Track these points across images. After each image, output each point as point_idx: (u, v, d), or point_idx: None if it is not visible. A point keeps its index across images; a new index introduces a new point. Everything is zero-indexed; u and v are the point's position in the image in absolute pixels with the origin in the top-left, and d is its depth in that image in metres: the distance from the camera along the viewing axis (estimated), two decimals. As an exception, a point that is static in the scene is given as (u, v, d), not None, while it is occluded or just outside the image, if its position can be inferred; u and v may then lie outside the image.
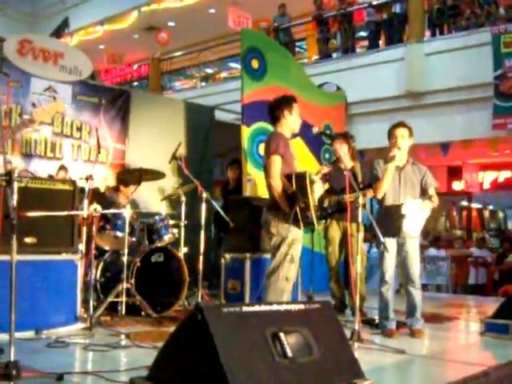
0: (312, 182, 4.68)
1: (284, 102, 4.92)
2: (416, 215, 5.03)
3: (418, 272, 5.14)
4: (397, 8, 11.24)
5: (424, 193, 5.18)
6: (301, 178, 4.63)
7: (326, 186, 5.30)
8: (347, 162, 5.94)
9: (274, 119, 4.96)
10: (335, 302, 6.20)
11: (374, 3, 11.52)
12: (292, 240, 4.72)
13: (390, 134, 5.19)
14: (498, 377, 3.85)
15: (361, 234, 5.02)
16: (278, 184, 4.69)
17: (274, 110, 4.95)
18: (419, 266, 5.19)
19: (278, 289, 4.74)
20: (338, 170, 5.89)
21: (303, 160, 8.43)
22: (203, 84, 15.13)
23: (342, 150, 6.05)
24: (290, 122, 4.92)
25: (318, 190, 4.83)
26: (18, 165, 7.13)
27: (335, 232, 6.15)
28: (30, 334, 4.53)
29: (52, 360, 3.87)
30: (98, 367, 3.63)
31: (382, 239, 4.80)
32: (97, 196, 5.97)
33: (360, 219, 4.82)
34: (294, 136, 5.22)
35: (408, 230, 5.02)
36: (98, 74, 17.09)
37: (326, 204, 5.93)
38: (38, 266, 4.79)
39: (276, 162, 4.73)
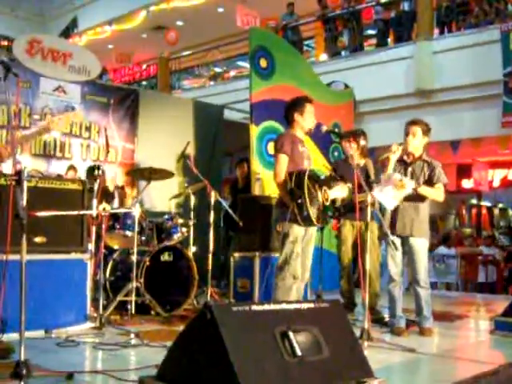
0: (316, 180, 4.71)
1: (294, 105, 5.07)
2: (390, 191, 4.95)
3: (423, 271, 5.08)
4: (405, 6, 11.22)
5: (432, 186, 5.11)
6: (299, 175, 4.69)
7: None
8: (356, 160, 5.91)
9: (287, 121, 5.15)
10: (344, 301, 6.19)
11: (383, 1, 11.49)
12: (295, 238, 4.75)
13: (404, 130, 5.21)
14: (508, 375, 3.83)
15: (370, 233, 4.97)
16: (281, 181, 4.81)
17: (286, 112, 5.13)
18: (426, 265, 5.12)
19: (285, 287, 4.78)
20: (348, 168, 5.82)
21: (312, 158, 8.43)
22: (212, 83, 15.13)
23: (351, 148, 6.04)
24: (301, 123, 5.05)
25: (336, 190, 4.90)
26: (28, 165, 7.16)
27: (348, 231, 6.11)
28: (40, 333, 4.55)
29: (62, 359, 3.89)
30: (108, 366, 3.64)
31: (390, 237, 4.80)
32: (106, 195, 5.98)
33: (369, 218, 4.80)
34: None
35: (381, 201, 4.97)
36: (107, 71, 17.11)
37: (338, 203, 5.91)
38: (48, 265, 4.80)
39: (280, 160, 4.88)
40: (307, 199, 4.59)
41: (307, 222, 4.68)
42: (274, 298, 4.83)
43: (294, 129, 5.07)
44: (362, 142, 6.07)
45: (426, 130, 5.16)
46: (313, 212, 4.62)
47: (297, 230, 4.76)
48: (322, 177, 4.95)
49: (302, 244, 4.85)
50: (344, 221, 6.09)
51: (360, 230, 5.88)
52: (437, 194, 5.10)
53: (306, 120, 5.03)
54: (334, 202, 5.56)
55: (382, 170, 5.16)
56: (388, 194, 4.90)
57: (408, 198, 4.98)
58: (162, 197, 7.75)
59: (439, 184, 5.10)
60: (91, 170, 6.34)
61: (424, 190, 5.02)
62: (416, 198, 5.02)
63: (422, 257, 5.09)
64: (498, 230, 17.23)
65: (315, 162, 8.33)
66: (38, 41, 7.46)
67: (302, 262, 4.90)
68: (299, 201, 4.61)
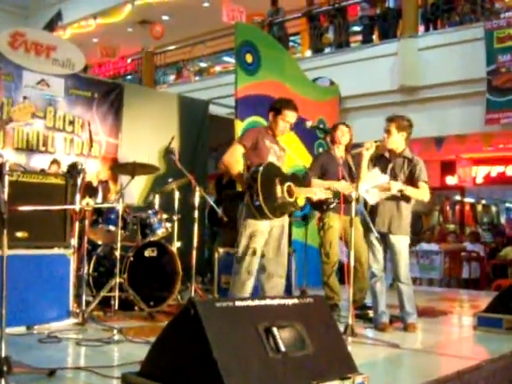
0: (277, 175, 4.71)
1: (279, 106, 4.97)
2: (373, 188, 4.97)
3: (404, 267, 5.08)
4: (390, 3, 11.25)
5: (413, 185, 5.11)
6: (256, 167, 4.67)
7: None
8: (340, 153, 5.88)
9: (267, 115, 5.07)
10: (334, 300, 6.06)
11: (368, -2, 11.51)
12: (252, 232, 4.72)
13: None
14: (491, 371, 3.86)
15: (355, 228, 4.95)
16: (228, 163, 4.82)
17: (270, 108, 5.04)
18: (406, 261, 5.12)
19: (240, 281, 4.74)
20: (333, 161, 5.75)
21: (297, 154, 8.43)
22: (197, 78, 15.07)
23: (345, 137, 5.99)
24: (275, 127, 4.97)
25: (308, 191, 4.92)
26: (10, 159, 7.09)
27: (337, 225, 5.99)
28: (21, 329, 4.50)
29: (44, 355, 3.85)
30: (91, 362, 3.62)
31: (375, 233, 4.81)
32: (89, 190, 5.94)
33: (353, 213, 4.78)
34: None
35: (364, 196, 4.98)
36: (91, 67, 17.01)
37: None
38: (30, 260, 4.75)
39: (232, 148, 4.88)
40: (259, 189, 4.54)
41: (260, 212, 4.62)
42: (229, 294, 4.82)
43: (269, 128, 5.03)
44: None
45: (404, 126, 5.11)
46: (265, 203, 4.57)
47: (253, 224, 4.71)
48: (289, 173, 4.93)
49: (262, 239, 4.78)
50: (331, 215, 5.97)
51: (345, 224, 5.80)
52: (422, 193, 5.10)
53: (277, 125, 4.94)
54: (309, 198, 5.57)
55: (356, 167, 5.16)
56: (372, 194, 4.92)
57: (390, 197, 4.99)
58: (145, 192, 7.72)
59: (423, 183, 5.09)
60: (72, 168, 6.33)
61: (410, 191, 5.02)
62: (399, 197, 5.03)
63: (402, 253, 5.08)
64: (482, 226, 17.37)
65: (300, 157, 8.38)
66: (21, 34, 7.39)
67: (275, 259, 4.85)
68: (252, 190, 4.59)
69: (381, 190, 4.93)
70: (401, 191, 4.96)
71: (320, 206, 5.90)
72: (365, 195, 4.93)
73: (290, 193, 4.79)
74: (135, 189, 7.61)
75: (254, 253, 4.73)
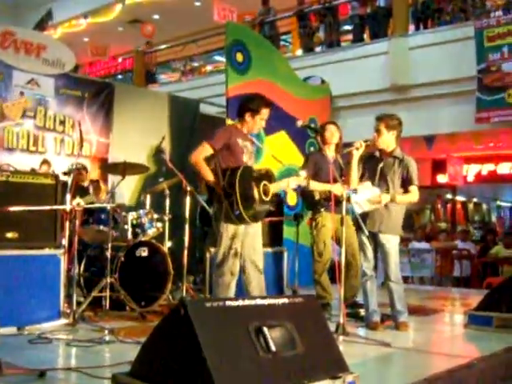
0: (252, 176, 4.67)
1: (250, 104, 4.90)
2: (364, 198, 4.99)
3: (394, 267, 5.10)
4: (381, 2, 11.25)
5: (405, 187, 5.14)
6: (232, 172, 4.62)
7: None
8: (331, 153, 5.88)
9: (238, 114, 4.97)
10: (326, 298, 6.07)
11: (359, -3, 11.53)
12: (233, 234, 4.70)
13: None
14: (481, 369, 3.87)
15: (343, 227, 4.95)
16: (196, 162, 4.73)
17: (239, 107, 4.95)
18: (397, 261, 5.13)
19: (224, 283, 4.74)
20: (324, 160, 5.74)
21: (287, 153, 8.43)
22: (189, 77, 15.05)
23: (335, 137, 5.99)
24: (250, 126, 4.91)
25: (283, 182, 4.89)
26: (0, 159, 7.06)
27: (330, 224, 6.01)
28: (12, 329, 4.48)
29: (34, 356, 3.84)
30: (82, 363, 3.61)
31: (366, 232, 4.82)
32: (79, 190, 5.92)
33: (344, 212, 4.79)
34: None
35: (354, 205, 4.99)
36: (82, 66, 16.95)
37: (317, 197, 5.88)
38: (20, 261, 4.74)
39: (201, 147, 4.78)
40: (239, 198, 4.51)
41: (240, 220, 4.62)
42: (213, 295, 4.81)
43: (241, 126, 4.93)
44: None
45: (393, 125, 5.12)
46: (246, 211, 4.55)
47: (233, 228, 4.71)
48: (261, 171, 4.88)
49: (241, 239, 4.77)
50: (324, 214, 5.98)
51: (338, 224, 5.81)
52: (412, 197, 5.15)
53: (255, 124, 4.89)
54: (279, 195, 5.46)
55: (346, 166, 5.17)
56: (362, 205, 4.94)
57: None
58: (136, 191, 7.70)
59: (414, 187, 5.10)
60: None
61: (400, 199, 5.08)
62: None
63: (392, 253, 5.10)
64: (473, 224, 17.43)
65: (291, 156, 8.38)
66: (11, 33, 7.36)
67: (252, 256, 4.84)
68: (231, 199, 4.54)
69: (372, 203, 4.95)
70: (391, 200, 5.00)
71: (313, 205, 5.92)
72: (354, 205, 4.94)
73: (266, 192, 4.78)
74: (126, 188, 7.59)
75: (236, 254, 4.73)
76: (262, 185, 4.75)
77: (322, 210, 5.88)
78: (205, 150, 4.77)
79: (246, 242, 4.82)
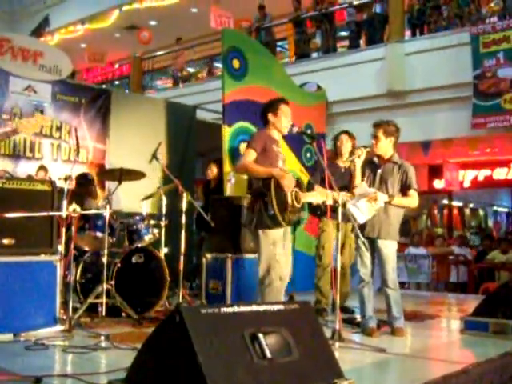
0: (282, 185, 4.70)
1: (268, 106, 5.07)
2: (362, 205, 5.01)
3: (391, 272, 5.11)
4: (377, 8, 11.29)
5: (404, 192, 5.15)
6: (267, 179, 4.69)
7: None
8: (344, 163, 5.99)
9: (263, 123, 5.11)
10: (323, 303, 6.11)
11: (355, 3, 11.56)
12: (273, 240, 4.74)
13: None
14: (478, 374, 3.87)
15: (338, 233, 4.97)
16: (250, 166, 4.80)
17: (261, 114, 5.10)
18: (394, 266, 5.14)
19: (274, 290, 4.75)
20: (335, 169, 5.87)
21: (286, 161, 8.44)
22: (185, 83, 15.07)
23: (345, 146, 6.07)
24: (276, 124, 5.01)
25: (311, 196, 4.97)
26: (-4, 165, 7.06)
27: (332, 231, 6.03)
28: (8, 336, 4.47)
29: (30, 363, 3.83)
30: (78, 369, 3.60)
31: (361, 238, 4.83)
32: (76, 196, 5.91)
33: (340, 219, 4.80)
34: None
35: (354, 215, 5.00)
36: (79, 73, 16.97)
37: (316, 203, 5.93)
38: (17, 267, 4.73)
39: (246, 153, 4.89)
40: (274, 200, 4.58)
41: (274, 222, 4.66)
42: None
43: (269, 129, 5.05)
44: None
45: (391, 131, 5.15)
46: (279, 212, 4.60)
47: (272, 233, 4.74)
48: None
49: (281, 244, 4.82)
50: (326, 221, 6.00)
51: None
52: (411, 201, 5.16)
53: (280, 120, 4.99)
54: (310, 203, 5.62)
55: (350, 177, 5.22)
56: (361, 208, 4.95)
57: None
58: (133, 198, 7.69)
59: (413, 191, 5.13)
60: (81, 178, 6.35)
61: (397, 201, 5.08)
62: (389, 203, 5.07)
63: (389, 258, 5.10)
64: (469, 229, 17.45)
65: (290, 164, 8.39)
66: (7, 40, 7.36)
67: (287, 262, 4.89)
68: (265, 199, 4.61)
69: (368, 200, 4.95)
70: (388, 203, 5.00)
71: (314, 210, 6.01)
72: (354, 210, 4.95)
73: (298, 199, 4.83)
74: (122, 195, 7.58)
75: (280, 258, 4.76)
76: (294, 191, 4.79)
77: (325, 216, 5.93)
78: (250, 154, 4.84)
79: (286, 246, 4.90)
